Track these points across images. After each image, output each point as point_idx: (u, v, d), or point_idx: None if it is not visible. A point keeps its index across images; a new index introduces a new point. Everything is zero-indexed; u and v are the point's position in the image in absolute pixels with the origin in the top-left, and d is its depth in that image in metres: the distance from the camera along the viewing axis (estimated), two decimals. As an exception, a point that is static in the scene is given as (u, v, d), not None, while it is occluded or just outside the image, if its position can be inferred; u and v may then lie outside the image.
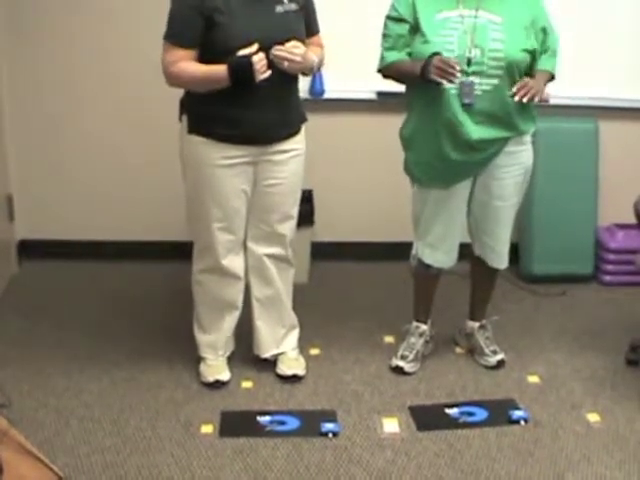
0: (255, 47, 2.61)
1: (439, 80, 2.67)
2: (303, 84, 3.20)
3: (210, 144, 2.77)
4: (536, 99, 2.75)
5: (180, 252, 4.09)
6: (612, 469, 2.57)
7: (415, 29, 2.82)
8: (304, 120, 2.97)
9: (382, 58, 2.90)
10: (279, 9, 2.73)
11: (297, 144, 2.92)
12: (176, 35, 2.68)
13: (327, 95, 3.92)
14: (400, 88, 2.98)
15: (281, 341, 3.13)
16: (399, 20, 2.84)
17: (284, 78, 2.73)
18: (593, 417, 2.85)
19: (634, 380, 3.10)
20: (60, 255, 4.11)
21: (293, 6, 2.76)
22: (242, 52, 2.61)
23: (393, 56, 2.85)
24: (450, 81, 2.67)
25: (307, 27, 2.85)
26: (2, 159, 3.92)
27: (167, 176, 4.01)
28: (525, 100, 2.72)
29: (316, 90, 3.88)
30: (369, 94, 3.90)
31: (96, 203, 4.11)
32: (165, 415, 2.84)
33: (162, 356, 3.21)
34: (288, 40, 2.70)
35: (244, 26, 2.66)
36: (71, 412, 2.84)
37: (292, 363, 3.11)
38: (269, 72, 2.63)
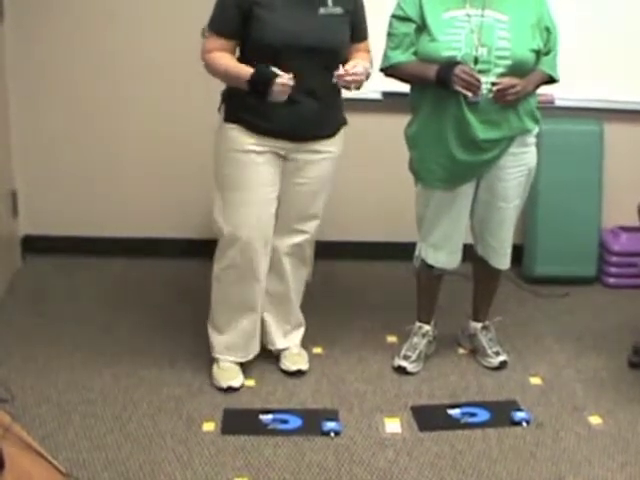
0: (289, 76, 2.60)
1: (464, 92, 2.70)
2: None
3: (242, 131, 2.77)
4: (510, 97, 2.77)
5: (185, 250, 4.11)
6: (614, 471, 2.56)
7: (421, 28, 2.82)
8: (344, 123, 2.95)
9: (386, 57, 2.90)
10: (322, 11, 2.72)
11: (332, 146, 2.90)
12: (215, 24, 2.74)
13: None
14: (406, 88, 2.99)
15: (286, 336, 3.14)
16: (405, 19, 2.84)
17: (325, 79, 2.70)
18: (595, 419, 2.85)
19: (636, 382, 3.10)
20: (63, 251, 4.10)
21: (338, 10, 2.75)
22: (275, 69, 2.61)
23: (398, 56, 2.86)
24: (475, 94, 2.70)
25: (357, 32, 2.86)
26: (6, 155, 3.92)
27: (172, 174, 4.03)
28: (501, 101, 2.76)
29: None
30: (375, 94, 3.89)
31: (99, 199, 4.11)
32: (167, 412, 2.84)
33: (165, 353, 3.21)
34: (325, 42, 2.70)
35: (283, 23, 2.66)
36: (73, 408, 2.84)
37: (295, 358, 3.12)
38: (284, 98, 2.64)
